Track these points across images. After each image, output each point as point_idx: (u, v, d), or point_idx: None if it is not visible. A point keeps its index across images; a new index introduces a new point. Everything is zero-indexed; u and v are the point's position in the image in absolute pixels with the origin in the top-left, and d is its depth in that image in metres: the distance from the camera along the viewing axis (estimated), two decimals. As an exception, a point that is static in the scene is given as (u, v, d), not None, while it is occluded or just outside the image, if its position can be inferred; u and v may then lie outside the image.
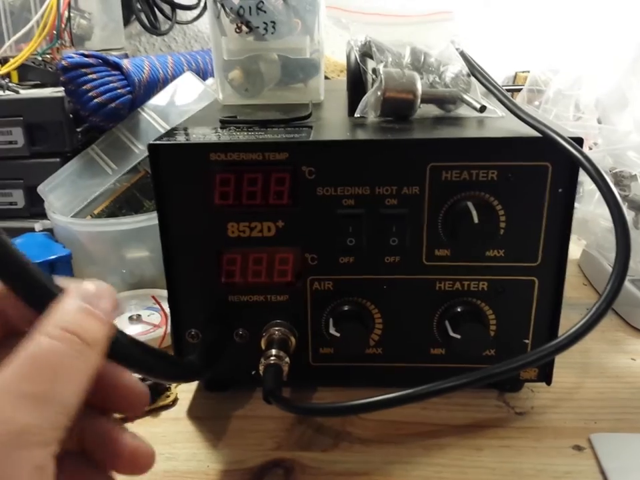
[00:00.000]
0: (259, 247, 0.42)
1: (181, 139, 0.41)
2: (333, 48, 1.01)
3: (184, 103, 0.68)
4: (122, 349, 0.31)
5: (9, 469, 0.21)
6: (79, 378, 0.25)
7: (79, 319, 0.25)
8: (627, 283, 0.58)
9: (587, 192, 0.59)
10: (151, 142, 0.40)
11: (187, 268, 0.43)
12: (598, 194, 0.58)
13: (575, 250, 0.70)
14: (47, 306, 0.26)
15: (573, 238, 0.41)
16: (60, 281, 0.29)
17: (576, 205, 0.41)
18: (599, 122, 0.65)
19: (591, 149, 0.62)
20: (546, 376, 0.45)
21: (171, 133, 0.43)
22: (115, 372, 0.29)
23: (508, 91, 0.48)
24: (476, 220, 0.39)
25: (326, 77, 0.56)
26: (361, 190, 0.40)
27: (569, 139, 0.37)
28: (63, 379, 0.24)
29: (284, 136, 0.41)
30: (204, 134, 0.42)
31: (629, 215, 0.54)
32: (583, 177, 0.39)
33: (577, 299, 0.62)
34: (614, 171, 0.56)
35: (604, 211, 0.58)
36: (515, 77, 1.00)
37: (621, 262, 0.33)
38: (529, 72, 0.84)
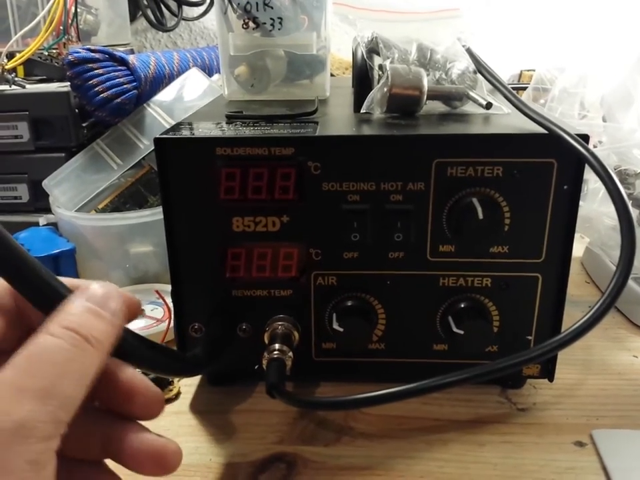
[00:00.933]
0: (263, 242, 0.42)
1: (187, 133, 0.41)
2: (338, 45, 1.02)
3: (189, 99, 0.68)
4: (125, 344, 0.31)
5: (4, 462, 0.22)
6: (80, 375, 0.25)
7: (83, 319, 0.26)
8: (629, 281, 0.58)
9: (591, 190, 0.59)
10: (158, 136, 0.40)
11: (191, 262, 0.43)
12: (602, 192, 0.58)
13: (578, 248, 0.70)
14: (54, 307, 0.27)
15: (576, 236, 0.41)
16: (69, 281, 0.29)
17: (580, 202, 0.41)
18: (604, 120, 0.65)
19: (595, 147, 0.63)
20: (548, 372, 0.45)
21: (177, 127, 0.43)
22: (127, 374, 0.30)
23: (514, 89, 0.48)
24: (481, 216, 0.39)
25: (331, 75, 0.56)
26: (366, 185, 0.41)
27: (575, 136, 0.37)
28: (63, 375, 0.24)
29: (290, 131, 0.41)
30: (210, 129, 0.42)
31: (633, 212, 0.54)
32: (586, 175, 0.39)
33: (579, 296, 0.62)
34: (618, 169, 0.56)
35: (608, 209, 0.58)
36: (520, 75, 1.00)
37: (625, 258, 0.33)
38: (534, 70, 0.84)
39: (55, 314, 0.26)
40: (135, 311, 0.32)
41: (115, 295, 0.28)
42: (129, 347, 0.31)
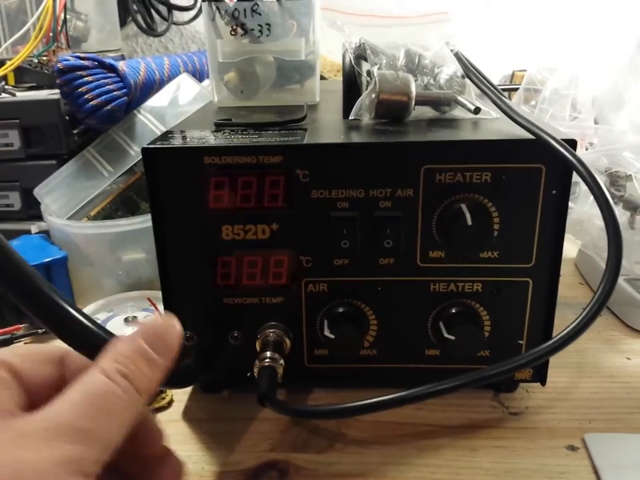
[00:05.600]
0: (253, 250, 0.42)
1: (175, 142, 0.41)
2: (330, 48, 1.01)
3: (180, 105, 0.68)
4: None
5: None
6: (125, 421, 0.26)
7: (137, 366, 0.27)
8: (622, 282, 0.58)
9: (583, 192, 0.59)
10: (145, 146, 0.40)
11: (181, 270, 0.43)
12: (593, 194, 0.58)
13: (571, 249, 0.70)
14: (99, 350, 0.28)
15: (570, 237, 0.41)
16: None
17: (571, 205, 0.41)
18: (596, 122, 0.65)
19: (586, 149, 0.62)
20: (541, 376, 0.45)
21: (165, 136, 0.43)
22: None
23: (505, 90, 0.48)
24: (469, 222, 0.39)
25: (323, 77, 0.56)
26: (355, 193, 0.40)
27: (561, 141, 0.37)
28: (112, 419, 0.26)
29: (278, 139, 0.41)
30: (198, 137, 0.42)
31: (624, 215, 0.54)
32: (578, 178, 0.39)
33: (573, 298, 0.62)
34: (609, 171, 0.56)
35: (599, 212, 0.58)
36: (513, 75, 1.00)
37: (612, 263, 0.33)
38: (526, 71, 0.84)
39: (109, 349, 0.28)
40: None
41: (170, 333, 0.29)
42: None
